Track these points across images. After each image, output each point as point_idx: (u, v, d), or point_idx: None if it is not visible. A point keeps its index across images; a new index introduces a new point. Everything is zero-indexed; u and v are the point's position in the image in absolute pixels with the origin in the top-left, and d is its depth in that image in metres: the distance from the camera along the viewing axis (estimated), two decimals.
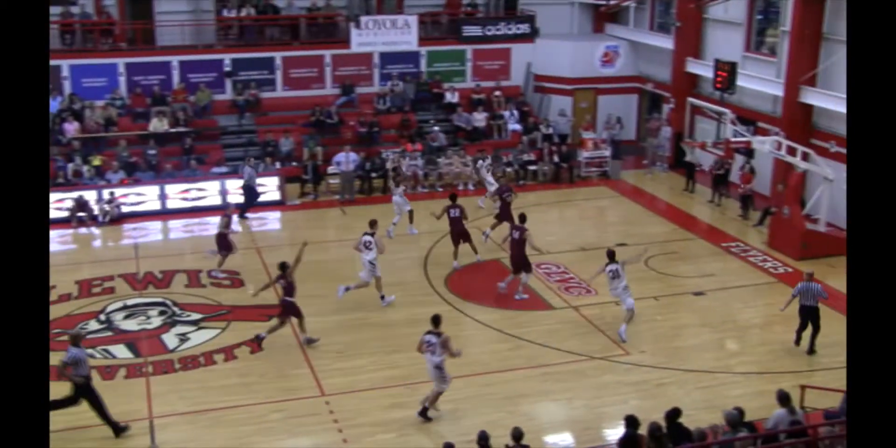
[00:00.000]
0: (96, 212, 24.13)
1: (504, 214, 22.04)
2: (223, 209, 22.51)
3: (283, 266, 16.88)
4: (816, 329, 16.57)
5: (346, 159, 26.02)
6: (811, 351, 16.59)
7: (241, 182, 25.00)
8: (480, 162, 26.10)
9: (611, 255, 17.41)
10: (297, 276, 20.26)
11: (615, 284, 17.35)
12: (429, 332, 14.32)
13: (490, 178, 25.08)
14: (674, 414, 11.80)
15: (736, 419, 11.44)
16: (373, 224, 18.88)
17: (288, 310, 16.85)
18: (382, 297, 18.90)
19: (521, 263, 18.89)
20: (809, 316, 16.57)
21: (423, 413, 14.41)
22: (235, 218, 22.59)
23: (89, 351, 16.59)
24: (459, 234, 20.85)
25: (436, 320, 14.44)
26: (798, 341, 16.81)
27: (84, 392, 13.66)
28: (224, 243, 20.53)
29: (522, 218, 19.31)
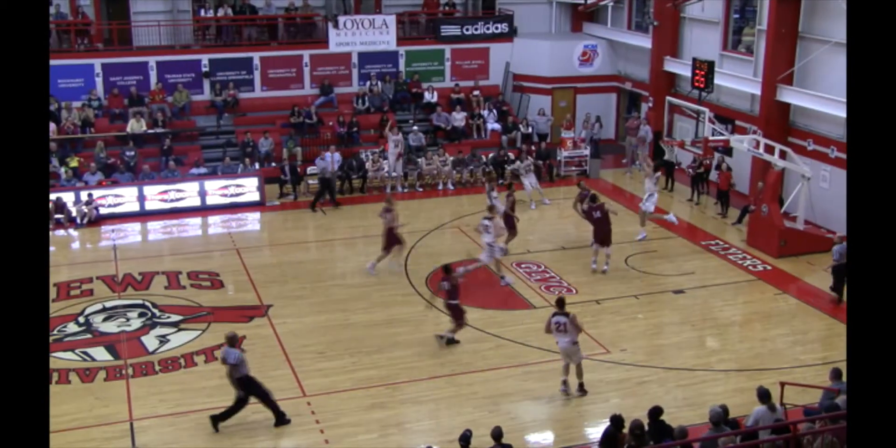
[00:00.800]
0: (74, 214, 23.97)
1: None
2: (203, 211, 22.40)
3: (446, 268, 16.95)
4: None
5: (332, 160, 25.92)
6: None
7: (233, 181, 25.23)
8: (519, 163, 26.28)
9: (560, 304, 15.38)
10: (277, 277, 20.36)
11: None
12: (556, 314, 14.87)
13: (531, 180, 25.52)
14: (656, 412, 11.84)
15: (719, 416, 11.49)
16: (491, 209, 19.99)
17: (454, 312, 16.80)
18: (502, 278, 19.82)
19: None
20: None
21: (581, 387, 15.05)
22: None
23: (68, 354, 16.57)
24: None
25: (561, 302, 15.09)
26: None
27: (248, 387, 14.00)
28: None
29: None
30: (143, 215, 24.68)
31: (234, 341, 13.92)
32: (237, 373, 13.85)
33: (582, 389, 15.10)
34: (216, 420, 13.96)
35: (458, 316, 16.82)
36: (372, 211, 24.60)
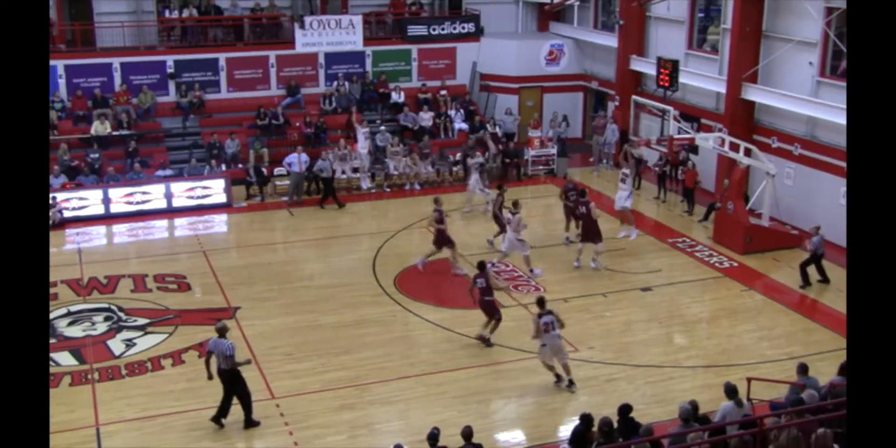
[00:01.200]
0: None
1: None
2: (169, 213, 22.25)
3: (481, 265, 16.91)
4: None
5: (298, 160, 25.82)
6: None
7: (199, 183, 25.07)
8: (470, 160, 26.36)
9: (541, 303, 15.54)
10: (244, 279, 20.25)
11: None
12: (543, 314, 15.02)
13: (474, 180, 25.31)
14: (625, 409, 11.88)
15: (689, 413, 11.55)
16: (516, 204, 20.08)
17: (488, 309, 16.75)
18: (532, 271, 20.19)
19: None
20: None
21: (571, 384, 15.21)
22: None
23: None
24: None
25: (542, 302, 15.31)
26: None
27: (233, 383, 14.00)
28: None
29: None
30: (108, 218, 24.44)
31: (224, 332, 13.91)
32: (227, 364, 13.76)
33: (572, 384, 15.26)
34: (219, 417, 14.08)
35: (493, 312, 16.78)
36: (338, 213, 24.63)
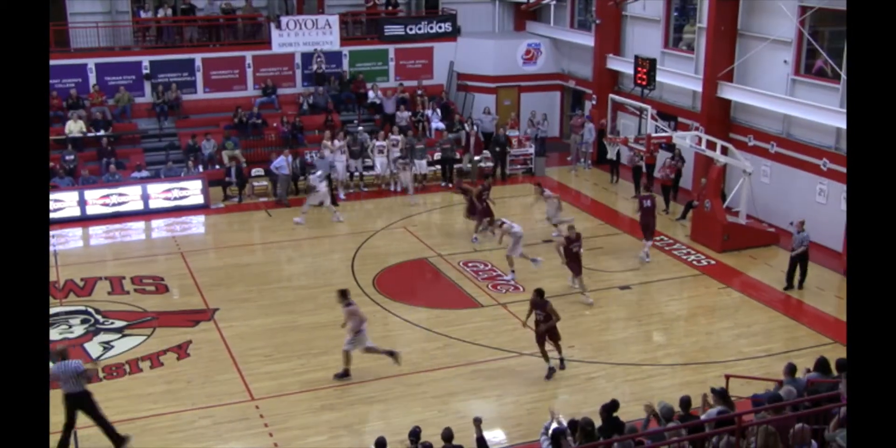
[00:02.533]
0: None
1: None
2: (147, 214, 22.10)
3: (539, 293, 15.87)
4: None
5: (287, 163, 25.75)
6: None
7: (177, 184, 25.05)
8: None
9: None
10: (223, 280, 20.16)
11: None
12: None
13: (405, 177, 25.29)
14: (611, 407, 11.86)
15: (669, 412, 11.57)
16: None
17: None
18: (533, 260, 20.16)
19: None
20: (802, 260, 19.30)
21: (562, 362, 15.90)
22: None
23: None
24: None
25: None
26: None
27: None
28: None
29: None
30: (84, 220, 24.26)
31: (65, 355, 12.80)
32: (79, 385, 12.65)
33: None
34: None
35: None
36: (316, 214, 24.53)
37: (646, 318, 18.41)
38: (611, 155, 26.50)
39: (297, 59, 30.24)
